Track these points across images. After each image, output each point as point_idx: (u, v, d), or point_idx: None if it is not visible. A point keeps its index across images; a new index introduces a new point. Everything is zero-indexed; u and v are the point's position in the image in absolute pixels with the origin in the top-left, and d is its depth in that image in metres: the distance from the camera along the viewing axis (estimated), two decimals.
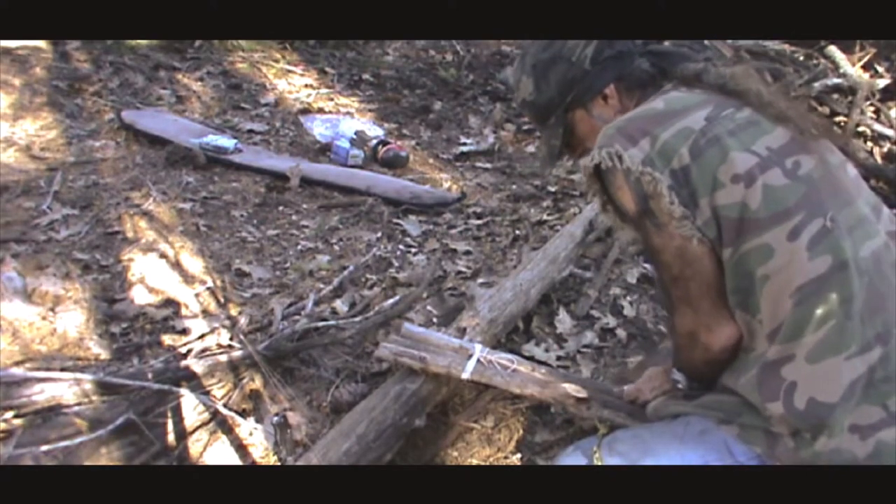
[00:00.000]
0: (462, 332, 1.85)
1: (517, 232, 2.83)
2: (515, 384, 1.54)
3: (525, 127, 4.11)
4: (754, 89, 1.06)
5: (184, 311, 2.22)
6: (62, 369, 1.87)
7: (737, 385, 1.05)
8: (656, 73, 1.16)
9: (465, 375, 1.51)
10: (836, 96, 3.80)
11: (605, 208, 1.14)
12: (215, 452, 1.72)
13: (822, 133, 1.05)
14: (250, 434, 1.76)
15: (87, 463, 1.63)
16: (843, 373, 0.97)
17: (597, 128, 1.16)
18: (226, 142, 3.37)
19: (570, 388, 1.47)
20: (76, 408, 1.75)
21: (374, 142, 3.62)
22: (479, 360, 1.51)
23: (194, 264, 2.48)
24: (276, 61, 4.66)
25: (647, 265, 2.49)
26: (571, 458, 1.23)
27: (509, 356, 1.57)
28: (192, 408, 1.79)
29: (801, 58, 4.33)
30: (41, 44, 4.19)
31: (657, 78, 1.16)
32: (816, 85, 3.70)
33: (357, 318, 2.16)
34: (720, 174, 0.98)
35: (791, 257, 0.97)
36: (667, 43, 1.21)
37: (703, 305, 1.05)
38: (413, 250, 2.72)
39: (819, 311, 0.96)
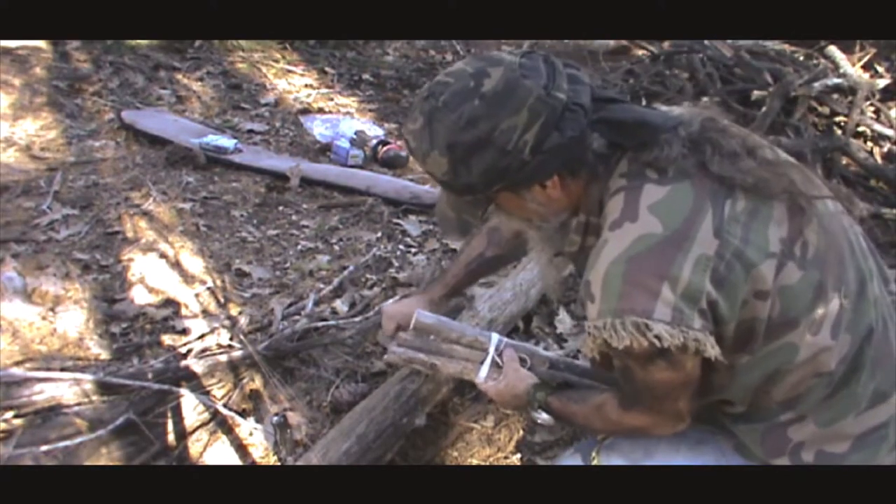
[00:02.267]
0: None
1: None
2: None
3: None
4: (737, 173, 0.93)
5: (184, 311, 2.22)
6: (62, 369, 1.87)
7: (734, 427, 1.05)
8: (608, 153, 0.97)
9: (480, 380, 1.43)
10: (836, 96, 3.80)
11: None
12: (215, 452, 1.72)
13: (805, 189, 0.97)
14: (250, 434, 1.76)
15: (87, 463, 1.63)
16: (854, 428, 0.98)
17: (526, 209, 1.02)
18: (226, 142, 3.37)
19: None
20: (76, 408, 1.75)
21: (374, 142, 3.62)
22: (493, 362, 1.40)
23: (194, 264, 2.48)
24: (276, 61, 4.65)
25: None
26: (570, 461, 1.23)
27: (527, 351, 1.43)
28: (192, 408, 1.78)
29: (801, 58, 4.34)
30: (41, 44, 4.18)
31: (609, 157, 0.97)
32: (816, 85, 3.70)
33: (357, 318, 2.16)
34: (746, 294, 0.90)
35: (816, 349, 0.94)
36: (616, 95, 1.00)
37: (675, 410, 1.00)
38: (413, 250, 2.72)
39: (839, 386, 0.96)
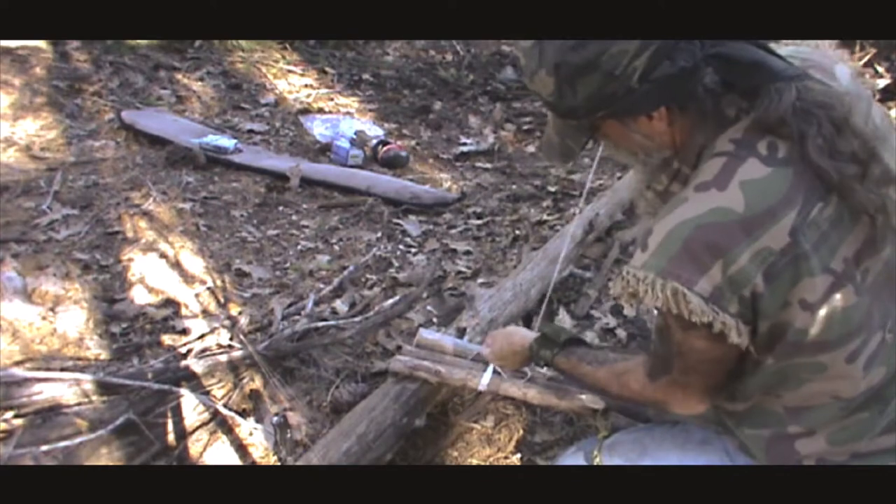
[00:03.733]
0: (462, 332, 1.86)
1: (517, 232, 2.83)
2: (532, 395, 1.51)
3: (525, 127, 4.10)
4: (836, 173, 0.88)
5: (184, 311, 2.22)
6: (62, 369, 1.87)
7: (737, 430, 1.04)
8: (721, 91, 0.93)
9: (482, 387, 1.50)
10: None
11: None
12: (215, 452, 1.72)
13: (893, 220, 0.92)
14: (250, 434, 1.76)
15: (87, 463, 1.63)
16: (863, 449, 0.97)
17: (631, 140, 0.99)
18: (226, 142, 3.37)
19: (587, 399, 1.46)
20: (76, 408, 1.75)
21: (374, 142, 3.62)
22: (495, 370, 1.50)
23: (194, 264, 2.48)
24: (276, 61, 4.65)
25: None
26: (571, 459, 1.23)
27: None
28: (192, 408, 1.79)
29: None
30: (41, 44, 4.18)
31: (721, 97, 0.93)
32: None
33: (357, 318, 2.16)
34: (790, 296, 0.88)
35: (845, 375, 0.92)
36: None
37: (701, 387, 0.99)
38: (413, 250, 2.72)
39: (856, 410, 0.95)
